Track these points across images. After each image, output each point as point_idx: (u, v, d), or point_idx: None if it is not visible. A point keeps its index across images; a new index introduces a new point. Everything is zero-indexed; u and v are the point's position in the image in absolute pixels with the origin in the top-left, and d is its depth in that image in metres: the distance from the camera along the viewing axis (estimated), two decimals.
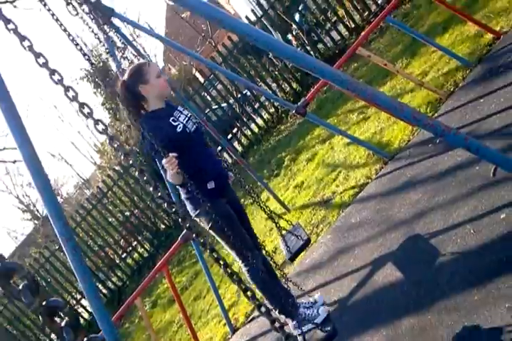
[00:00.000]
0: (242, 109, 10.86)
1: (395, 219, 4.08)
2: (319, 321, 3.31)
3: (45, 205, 2.33)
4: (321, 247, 4.82)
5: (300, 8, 10.49)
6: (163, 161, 2.98)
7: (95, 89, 17.38)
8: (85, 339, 0.94)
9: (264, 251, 3.79)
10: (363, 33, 5.43)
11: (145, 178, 1.87)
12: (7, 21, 1.96)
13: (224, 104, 11.19)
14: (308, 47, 9.83)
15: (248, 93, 11.15)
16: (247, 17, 10.28)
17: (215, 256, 1.76)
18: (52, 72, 1.92)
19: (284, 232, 4.65)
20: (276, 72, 10.10)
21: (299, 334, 3.33)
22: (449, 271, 3.09)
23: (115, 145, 1.89)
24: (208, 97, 11.23)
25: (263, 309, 1.60)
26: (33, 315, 11.14)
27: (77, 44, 3.80)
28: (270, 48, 2.34)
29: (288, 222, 4.74)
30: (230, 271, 1.73)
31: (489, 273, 2.79)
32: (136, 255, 11.87)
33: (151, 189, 1.89)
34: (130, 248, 12.26)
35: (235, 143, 10.92)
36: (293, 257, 4.43)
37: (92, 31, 4.98)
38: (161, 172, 3.48)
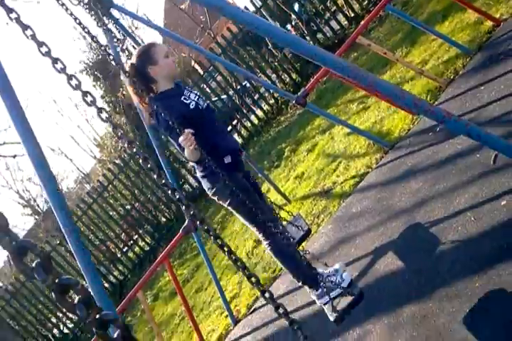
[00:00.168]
0: (241, 100, 10.83)
1: (395, 208, 4.07)
2: (345, 285, 3.27)
3: (48, 196, 2.33)
4: (322, 237, 4.82)
5: None
6: (180, 138, 2.95)
7: (94, 82, 17.32)
8: (98, 315, 0.96)
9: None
10: (362, 22, 5.39)
11: (149, 166, 1.87)
12: (9, 10, 1.96)
13: (224, 96, 11.16)
14: (308, 37, 9.79)
15: (248, 84, 11.12)
16: (246, 7, 10.22)
17: (220, 243, 1.76)
18: (55, 60, 1.92)
19: (284, 223, 4.64)
20: (276, 63, 10.07)
21: (325, 303, 3.27)
22: (450, 258, 3.09)
23: (119, 134, 1.89)
24: (208, 89, 11.20)
25: (267, 295, 1.60)
26: (34, 311, 11.21)
27: (97, 41, 3.75)
28: (271, 36, 2.33)
29: (289, 212, 4.73)
30: (234, 258, 1.73)
31: (490, 260, 2.79)
32: (137, 248, 11.87)
33: (155, 176, 1.90)
34: (131, 241, 12.27)
35: (235, 135, 10.90)
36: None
37: (95, 20, 4.95)
38: (179, 150, 3.41)
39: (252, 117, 10.89)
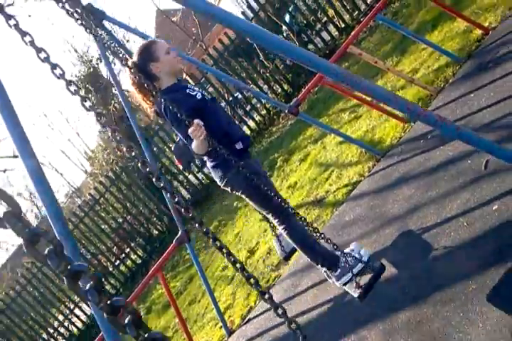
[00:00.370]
0: (233, 111, 10.86)
1: (388, 215, 4.08)
2: (366, 259, 3.26)
3: (45, 205, 2.32)
4: None
5: (290, 10, 10.50)
6: (190, 130, 2.94)
7: (86, 94, 17.34)
8: (108, 301, 0.98)
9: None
10: (353, 32, 5.44)
11: (148, 169, 1.88)
12: (8, 17, 1.98)
13: None
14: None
15: (239, 96, 11.15)
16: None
17: (218, 244, 1.76)
18: (54, 66, 1.94)
19: (278, 232, 4.64)
20: (268, 74, 10.11)
21: (346, 283, 3.26)
22: (444, 264, 3.10)
23: (118, 138, 1.90)
24: None
25: (267, 296, 1.60)
26: (35, 315, 11.09)
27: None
28: (265, 43, 2.35)
29: None
30: (233, 259, 1.74)
31: (483, 265, 2.80)
32: (129, 262, 11.79)
33: (154, 179, 1.90)
34: (123, 255, 12.19)
35: None
36: (287, 256, 4.42)
37: (87, 31, 4.97)
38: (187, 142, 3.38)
39: (244, 128, 10.91)
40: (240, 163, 3.17)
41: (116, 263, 11.98)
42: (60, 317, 11.47)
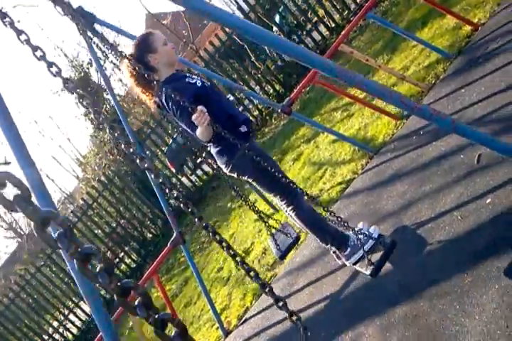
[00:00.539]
0: None
1: (382, 212, 4.08)
2: (376, 236, 3.26)
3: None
4: (311, 244, 4.81)
5: (280, 10, 10.52)
6: (194, 116, 2.94)
7: (77, 100, 17.30)
8: (119, 283, 1.00)
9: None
10: (344, 31, 5.46)
11: (146, 165, 1.87)
12: (3, 16, 1.98)
13: None
14: None
15: (231, 97, 11.16)
16: None
17: (218, 238, 1.76)
18: (50, 64, 1.94)
19: (273, 231, 4.63)
20: (259, 75, 10.12)
21: (356, 262, 3.26)
22: (439, 258, 3.10)
23: (115, 134, 1.90)
24: None
25: (267, 288, 1.60)
26: (29, 322, 11.02)
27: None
28: (259, 39, 2.35)
29: (277, 221, 4.73)
30: (232, 253, 1.74)
31: (478, 257, 2.80)
32: (123, 266, 11.76)
33: (152, 176, 1.90)
34: (117, 259, 12.15)
35: None
36: (283, 255, 4.42)
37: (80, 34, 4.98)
38: (190, 131, 3.35)
39: None
40: (246, 145, 3.17)
41: None
42: (55, 324, 11.42)
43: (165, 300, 5.70)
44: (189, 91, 3.16)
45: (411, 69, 5.68)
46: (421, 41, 5.42)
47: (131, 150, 1.91)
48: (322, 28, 9.80)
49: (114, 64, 5.34)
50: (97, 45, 5.45)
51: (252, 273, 1.68)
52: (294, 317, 1.55)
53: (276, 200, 3.57)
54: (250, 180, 3.47)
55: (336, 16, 9.56)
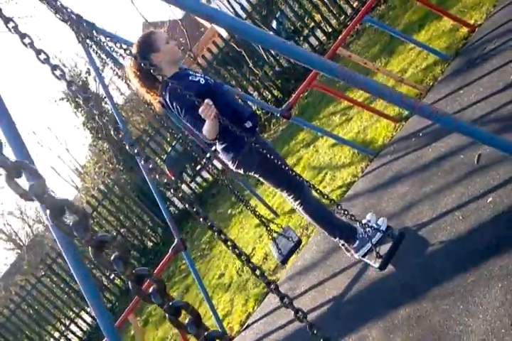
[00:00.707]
0: None
1: (383, 214, 4.06)
2: (384, 228, 3.25)
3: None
4: (313, 247, 4.80)
5: (277, 16, 10.56)
6: (200, 109, 2.92)
7: (75, 109, 17.31)
8: (133, 271, 1.02)
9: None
10: (341, 35, 5.47)
11: (151, 166, 1.88)
12: (7, 20, 1.99)
13: None
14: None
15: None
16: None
17: (223, 237, 1.76)
18: (54, 67, 1.95)
19: (274, 235, 4.62)
20: (257, 81, 10.14)
21: (364, 254, 3.25)
22: (441, 258, 3.09)
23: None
24: None
25: (273, 286, 1.59)
26: (30, 333, 10.96)
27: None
28: (260, 41, 2.36)
29: (278, 225, 4.72)
30: (238, 251, 1.73)
31: (480, 257, 2.79)
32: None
33: (157, 176, 1.90)
34: None
35: None
36: (285, 259, 4.39)
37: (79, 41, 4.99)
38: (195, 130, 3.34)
39: None
40: (252, 140, 3.16)
41: (111, 277, 11.89)
42: (56, 334, 11.36)
43: None
44: (192, 90, 3.12)
45: (409, 72, 5.69)
46: (418, 43, 5.43)
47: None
48: (319, 33, 9.83)
49: (114, 70, 5.35)
50: (96, 52, 5.46)
51: (257, 272, 1.66)
52: (300, 314, 1.54)
53: (283, 195, 3.55)
54: (257, 176, 3.47)
55: (333, 21, 9.59)
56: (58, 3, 4.62)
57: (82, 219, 0.96)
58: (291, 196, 3.45)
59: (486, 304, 2.49)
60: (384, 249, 3.14)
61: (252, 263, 1.74)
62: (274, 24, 10.64)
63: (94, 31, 5.13)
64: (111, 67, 5.48)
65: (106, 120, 2.07)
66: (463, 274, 2.80)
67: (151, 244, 11.69)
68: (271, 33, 9.93)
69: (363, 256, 3.29)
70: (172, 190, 1.90)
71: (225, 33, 10.88)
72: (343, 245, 3.48)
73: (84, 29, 4.89)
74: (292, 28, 10.26)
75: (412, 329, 2.87)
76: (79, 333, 11.23)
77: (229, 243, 1.81)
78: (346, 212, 3.12)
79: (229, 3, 11.21)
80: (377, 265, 3.11)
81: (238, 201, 4.39)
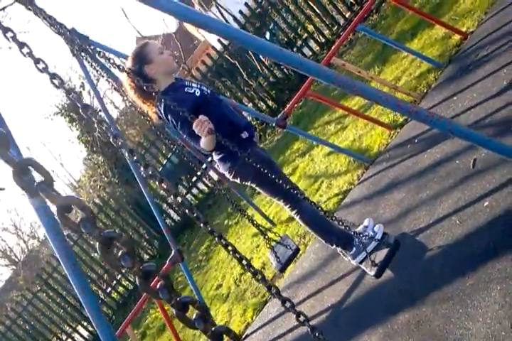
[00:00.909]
0: None
1: (381, 220, 4.06)
2: (379, 237, 3.25)
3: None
4: (311, 255, 4.79)
5: (270, 28, 10.62)
6: (194, 125, 2.92)
7: (70, 123, 17.32)
8: (141, 267, 1.03)
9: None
10: (335, 45, 5.51)
11: (150, 173, 1.88)
12: (5, 30, 2.00)
13: None
14: (282, 66, 9.95)
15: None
16: (219, 40, 10.39)
17: (224, 242, 1.75)
18: (53, 75, 1.96)
19: (272, 244, 4.60)
20: (252, 92, 10.18)
21: (361, 261, 3.25)
22: (439, 263, 3.09)
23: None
24: None
25: (273, 290, 1.59)
26: (37, 338, 10.87)
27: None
28: (257, 49, 2.37)
29: (275, 233, 4.70)
30: (239, 256, 1.73)
31: (478, 260, 2.79)
32: (120, 288, 11.64)
33: (157, 183, 1.90)
34: (114, 282, 12.02)
35: None
36: (283, 268, 4.38)
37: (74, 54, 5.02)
38: (193, 143, 3.34)
39: None
40: (247, 152, 3.18)
41: (108, 291, 11.82)
42: None
43: (165, 320, 5.65)
44: (187, 103, 3.14)
45: (402, 80, 5.72)
46: (411, 51, 5.47)
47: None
48: (312, 44, 9.90)
49: (109, 83, 5.35)
50: (91, 65, 5.47)
51: (259, 276, 1.66)
52: (302, 318, 1.54)
53: (280, 204, 3.57)
54: (253, 186, 3.48)
55: (326, 31, 9.66)
56: (53, 18, 4.66)
57: (89, 215, 0.96)
58: (288, 205, 3.46)
59: (486, 307, 2.49)
60: (380, 256, 3.14)
61: (253, 267, 1.74)
62: (267, 35, 10.70)
63: (88, 44, 5.17)
64: (106, 79, 5.49)
65: (105, 127, 2.07)
66: (461, 278, 2.79)
67: (148, 256, 11.65)
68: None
69: (360, 262, 3.29)
70: (172, 196, 1.89)
71: (218, 45, 10.94)
72: (341, 251, 3.48)
73: (78, 42, 4.92)
74: (286, 39, 10.31)
75: (412, 335, 2.86)
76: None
77: (229, 248, 1.81)
78: (341, 222, 3.13)
79: (222, 15, 11.28)
80: (372, 273, 3.12)
81: (235, 211, 4.38)
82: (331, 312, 3.84)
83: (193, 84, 3.40)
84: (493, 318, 2.40)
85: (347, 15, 9.25)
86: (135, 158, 1.95)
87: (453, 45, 5.23)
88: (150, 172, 1.90)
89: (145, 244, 11.75)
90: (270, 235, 4.72)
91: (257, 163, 3.18)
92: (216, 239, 1.82)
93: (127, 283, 11.59)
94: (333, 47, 5.55)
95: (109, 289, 11.91)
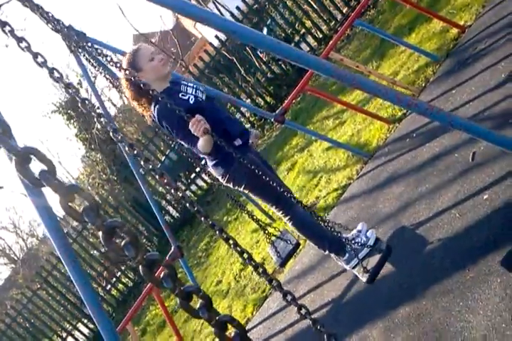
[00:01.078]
0: None
1: (380, 215, 4.07)
2: (371, 243, 3.27)
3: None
4: (310, 251, 4.79)
5: (268, 23, 10.60)
6: (190, 124, 2.91)
7: (68, 121, 17.29)
8: (145, 256, 1.04)
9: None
10: (333, 39, 5.50)
11: (150, 166, 1.88)
12: (3, 24, 1.98)
13: None
14: (280, 62, 9.94)
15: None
16: (216, 36, 10.37)
17: (225, 236, 1.75)
18: (52, 70, 1.95)
19: (273, 238, 4.60)
20: (250, 88, 10.17)
21: (354, 266, 3.27)
22: (439, 256, 3.09)
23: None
24: None
25: (275, 283, 1.59)
26: (38, 336, 10.86)
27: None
28: (255, 43, 2.36)
29: (275, 228, 4.71)
30: (240, 250, 1.73)
31: (478, 253, 2.80)
32: (120, 285, 11.64)
33: (157, 177, 1.89)
34: (114, 279, 12.02)
35: None
36: (283, 262, 4.38)
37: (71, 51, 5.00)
38: (191, 148, 3.34)
39: None
40: (240, 159, 3.18)
41: (108, 288, 11.82)
42: None
43: (165, 316, 5.65)
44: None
45: (401, 74, 5.72)
46: (409, 46, 5.47)
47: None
48: (310, 39, 9.88)
49: (107, 79, 5.35)
50: (89, 61, 5.46)
51: (260, 269, 1.66)
52: (303, 311, 1.53)
53: (273, 210, 3.58)
54: (246, 191, 3.50)
55: (324, 27, 9.65)
56: (50, 15, 4.64)
57: (92, 205, 0.96)
58: (281, 211, 3.48)
59: (486, 300, 2.49)
60: (372, 262, 3.16)
61: (254, 261, 1.74)
62: (265, 31, 10.68)
63: (85, 41, 5.15)
64: (104, 76, 5.48)
65: (105, 122, 2.06)
66: (462, 271, 2.80)
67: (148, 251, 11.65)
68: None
69: (353, 267, 3.32)
70: (172, 190, 1.89)
71: (216, 42, 10.91)
72: (334, 256, 3.49)
73: (75, 38, 4.90)
74: (283, 34, 10.28)
75: (412, 328, 2.86)
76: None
77: (230, 241, 1.80)
78: (333, 229, 3.17)
79: (219, 11, 11.25)
80: (364, 279, 3.14)
81: (234, 206, 4.38)
82: (331, 306, 3.84)
83: (189, 90, 3.38)
84: (494, 311, 2.40)
85: (344, 11, 9.24)
86: (135, 152, 1.94)
87: (451, 39, 5.22)
88: (150, 167, 1.90)
89: (144, 240, 11.73)
90: (270, 230, 4.72)
91: (250, 170, 3.20)
92: (217, 232, 1.82)
93: (127, 280, 11.60)
94: (330, 43, 5.55)
95: (109, 286, 11.91)
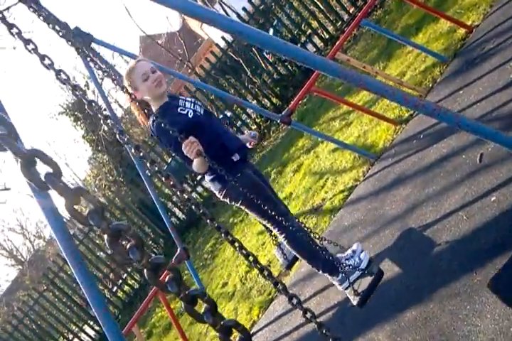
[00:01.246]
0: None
1: (387, 217, 4.04)
2: (364, 266, 3.26)
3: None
4: None
5: (274, 24, 10.58)
6: (183, 146, 2.92)
7: (75, 122, 17.33)
8: (149, 260, 1.04)
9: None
10: (339, 40, 5.47)
11: (156, 168, 1.90)
12: (10, 26, 1.98)
13: None
14: (286, 63, 9.91)
15: (229, 114, 11.17)
16: (223, 37, 10.36)
17: (230, 238, 1.74)
18: (59, 71, 1.95)
19: (279, 241, 4.58)
20: (256, 89, 10.14)
21: (347, 287, 3.26)
22: (447, 258, 3.06)
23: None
24: None
25: (280, 286, 1.57)
26: (44, 338, 10.87)
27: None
28: (261, 43, 2.34)
29: None
30: (245, 252, 1.71)
31: (486, 256, 2.77)
32: (126, 287, 11.63)
33: (163, 178, 1.90)
34: (120, 280, 12.01)
35: None
36: (290, 265, 4.37)
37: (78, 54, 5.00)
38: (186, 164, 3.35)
39: None
40: (237, 175, 3.19)
41: (114, 290, 11.81)
42: None
43: (171, 318, 5.62)
44: (179, 124, 3.12)
45: (408, 75, 5.68)
46: (416, 46, 5.43)
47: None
48: (317, 40, 9.84)
49: (114, 80, 5.33)
50: (96, 63, 5.45)
51: (265, 272, 1.64)
52: (309, 314, 1.51)
53: (269, 226, 3.56)
54: (242, 207, 3.48)
55: (330, 27, 9.62)
56: (53, 17, 4.64)
57: (97, 207, 0.96)
58: (276, 229, 3.47)
59: (494, 303, 2.45)
60: (363, 285, 3.16)
61: (259, 263, 1.72)
62: (271, 32, 10.65)
63: (92, 42, 5.15)
64: (111, 76, 5.46)
65: (111, 123, 2.04)
66: (469, 274, 2.76)
67: (153, 255, 11.63)
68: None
69: (346, 288, 3.30)
70: (178, 192, 1.88)
71: (222, 43, 10.90)
72: (328, 277, 3.48)
73: (82, 40, 4.90)
74: (289, 35, 10.25)
75: (419, 332, 2.83)
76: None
77: (236, 244, 1.79)
78: (326, 250, 3.27)
79: (225, 12, 11.23)
80: (355, 302, 3.14)
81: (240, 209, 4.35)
82: (337, 309, 3.81)
83: (187, 104, 3.39)
84: (501, 314, 2.37)
85: (351, 11, 9.20)
86: (141, 154, 1.93)
87: (458, 39, 5.18)
88: (156, 169, 1.90)
89: (150, 242, 11.71)
90: (275, 234, 4.70)
91: (246, 187, 3.19)
92: (223, 235, 1.81)
93: (133, 282, 11.58)
94: (337, 43, 5.51)
95: (115, 288, 11.90)
